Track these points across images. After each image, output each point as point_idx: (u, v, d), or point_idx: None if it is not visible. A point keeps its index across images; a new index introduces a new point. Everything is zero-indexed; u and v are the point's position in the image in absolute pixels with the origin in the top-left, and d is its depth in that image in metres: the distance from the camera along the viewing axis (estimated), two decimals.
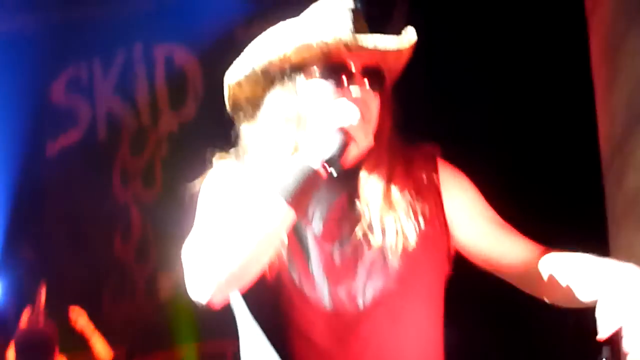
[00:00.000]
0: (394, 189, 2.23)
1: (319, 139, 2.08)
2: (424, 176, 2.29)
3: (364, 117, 2.11)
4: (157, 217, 5.94)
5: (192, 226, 2.18)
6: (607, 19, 4.54)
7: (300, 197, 2.01)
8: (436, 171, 2.31)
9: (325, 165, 2.02)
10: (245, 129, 2.24)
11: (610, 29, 4.53)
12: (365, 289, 2.19)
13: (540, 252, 2.25)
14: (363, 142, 2.12)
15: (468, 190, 2.32)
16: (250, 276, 2.03)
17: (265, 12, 4.96)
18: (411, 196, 2.24)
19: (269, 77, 2.23)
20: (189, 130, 6.06)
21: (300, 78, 2.21)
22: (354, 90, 2.14)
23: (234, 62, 2.21)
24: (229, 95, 2.26)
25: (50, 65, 6.47)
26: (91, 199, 6.29)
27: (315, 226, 2.19)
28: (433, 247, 2.22)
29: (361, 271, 2.18)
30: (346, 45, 2.15)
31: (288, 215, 2.01)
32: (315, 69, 2.19)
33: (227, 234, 2.02)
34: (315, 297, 2.14)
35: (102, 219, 6.32)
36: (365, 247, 2.17)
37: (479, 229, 2.30)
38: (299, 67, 2.20)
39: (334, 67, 2.19)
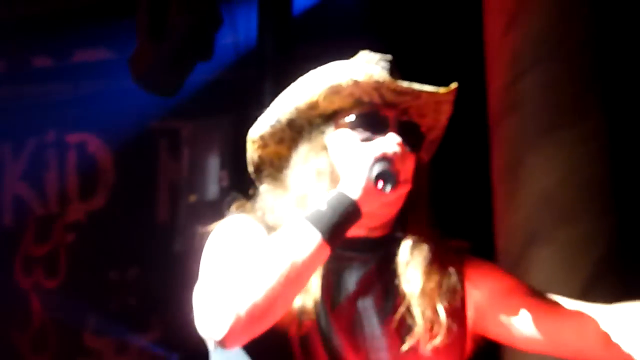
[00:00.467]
0: (433, 273, 2.10)
1: (357, 168, 1.94)
2: (453, 270, 2.13)
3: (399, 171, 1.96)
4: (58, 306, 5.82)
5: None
6: (509, 136, 4.69)
7: (336, 230, 1.87)
8: (464, 266, 2.17)
9: (379, 181, 1.88)
10: (268, 190, 2.08)
11: (511, 146, 4.66)
12: None
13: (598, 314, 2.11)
14: (406, 180, 1.99)
15: (497, 281, 2.19)
16: (274, 314, 1.84)
17: (177, 108, 5.12)
18: (440, 287, 2.10)
19: (295, 129, 2.09)
20: (97, 220, 6.02)
21: (329, 129, 2.07)
22: (389, 141, 1.99)
23: (260, 117, 2.08)
24: (251, 154, 2.11)
25: None
26: None
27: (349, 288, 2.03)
28: (452, 345, 2.09)
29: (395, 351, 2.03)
30: (378, 84, 2.03)
31: (323, 250, 1.86)
32: (346, 120, 2.05)
33: (252, 264, 1.84)
34: None
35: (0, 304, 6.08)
36: (405, 328, 2.03)
37: (517, 317, 2.16)
38: (328, 117, 2.07)
39: (367, 116, 2.06)
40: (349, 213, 1.86)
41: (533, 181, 4.50)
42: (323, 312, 1.97)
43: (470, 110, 4.53)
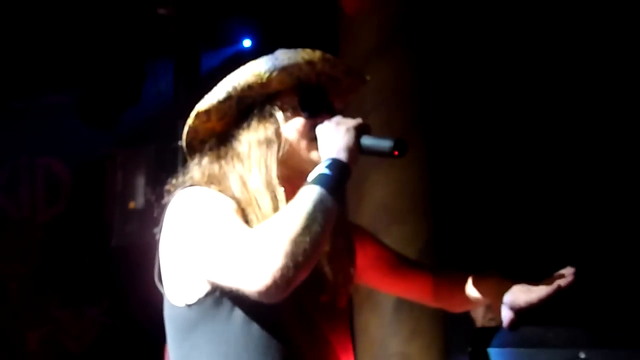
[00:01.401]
0: (339, 236, 1.88)
1: (339, 137, 1.72)
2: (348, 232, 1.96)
3: None
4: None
5: None
6: None
7: (340, 189, 1.68)
8: (351, 230, 2.00)
9: (395, 148, 1.70)
10: (211, 162, 1.82)
11: (359, 165, 4.54)
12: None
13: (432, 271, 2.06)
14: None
15: (372, 242, 2.05)
16: (312, 264, 1.62)
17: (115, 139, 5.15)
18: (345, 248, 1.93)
19: (241, 107, 1.83)
20: (59, 221, 6.06)
21: (276, 106, 1.82)
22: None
23: (209, 94, 1.84)
24: (191, 127, 1.86)
25: None
26: None
27: None
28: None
29: None
30: (329, 61, 1.82)
31: (335, 206, 1.65)
32: (294, 100, 1.82)
33: (287, 222, 1.59)
34: None
35: None
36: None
37: (383, 268, 2.02)
38: (271, 96, 1.83)
39: (320, 97, 1.84)
40: (346, 175, 1.68)
41: (374, 192, 4.61)
42: None
43: None
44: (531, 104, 4.90)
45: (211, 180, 1.78)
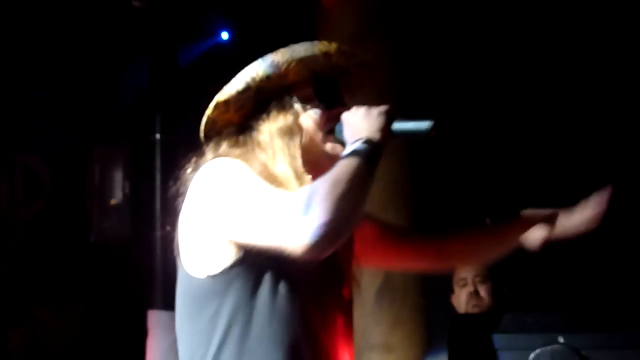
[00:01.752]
0: None
1: (368, 122, 1.74)
2: None
3: None
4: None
5: None
6: None
7: (376, 165, 1.70)
8: None
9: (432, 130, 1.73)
10: (231, 151, 1.81)
11: None
12: None
13: None
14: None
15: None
16: (351, 227, 1.65)
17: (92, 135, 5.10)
18: None
19: (259, 98, 1.84)
20: (39, 218, 5.98)
21: (295, 97, 1.84)
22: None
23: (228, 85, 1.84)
24: (211, 117, 1.87)
25: None
26: None
27: None
28: None
29: None
30: (345, 53, 1.85)
31: (371, 183, 1.68)
32: (309, 92, 1.83)
33: (330, 184, 1.60)
34: None
35: None
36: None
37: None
38: (287, 88, 1.84)
39: (335, 89, 1.86)
40: (379, 154, 1.69)
41: None
42: None
43: None
44: (510, 91, 4.91)
45: (241, 158, 1.77)
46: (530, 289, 4.09)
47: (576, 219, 2.01)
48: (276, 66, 1.80)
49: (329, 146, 1.81)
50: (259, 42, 5.78)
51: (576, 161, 4.71)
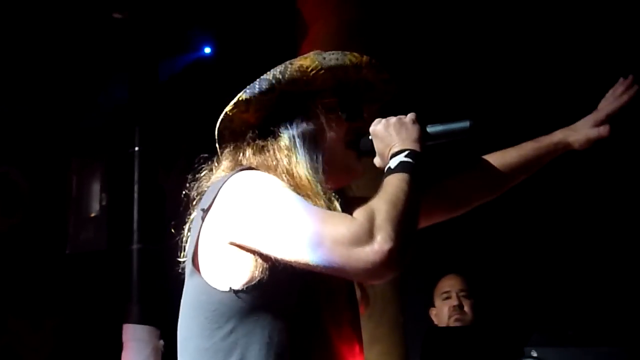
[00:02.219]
0: None
1: (405, 132, 1.74)
2: None
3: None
4: None
5: None
6: None
7: (422, 180, 1.69)
8: None
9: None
10: (254, 155, 1.77)
11: None
12: None
13: None
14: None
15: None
16: (411, 249, 1.59)
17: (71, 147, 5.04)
18: None
19: (281, 101, 1.80)
20: (16, 231, 5.83)
21: (319, 107, 1.80)
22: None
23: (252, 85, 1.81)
24: (229, 112, 1.82)
25: None
26: None
27: None
28: None
29: None
30: (375, 67, 1.84)
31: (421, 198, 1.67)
32: (334, 102, 1.80)
33: (392, 206, 1.57)
34: None
35: None
36: None
37: None
38: (316, 95, 1.81)
39: (354, 101, 1.83)
40: (424, 164, 1.69)
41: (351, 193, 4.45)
42: None
43: None
44: (488, 96, 4.92)
45: (264, 168, 1.72)
46: (505, 304, 4.06)
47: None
48: (304, 72, 1.77)
49: (348, 158, 1.79)
50: (241, 57, 5.81)
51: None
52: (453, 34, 4.95)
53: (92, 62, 4.68)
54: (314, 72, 1.76)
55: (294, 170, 1.72)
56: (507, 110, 4.75)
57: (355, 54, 1.82)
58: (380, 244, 1.50)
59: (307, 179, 1.70)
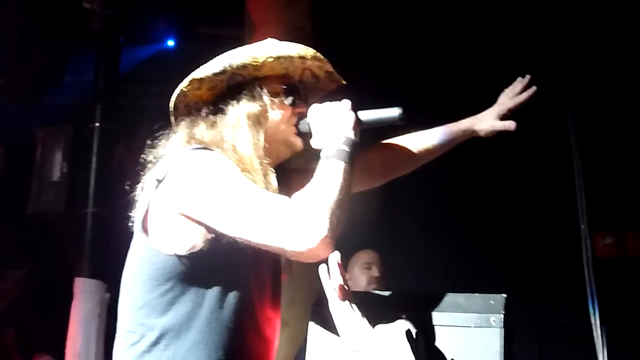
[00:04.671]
0: None
1: (341, 118, 1.78)
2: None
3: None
4: None
5: None
6: None
7: (354, 165, 1.72)
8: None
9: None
10: (204, 129, 1.82)
11: None
12: None
13: None
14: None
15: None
16: (340, 230, 1.62)
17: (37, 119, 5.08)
18: None
19: (231, 83, 1.84)
20: None
21: (265, 90, 1.84)
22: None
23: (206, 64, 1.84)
24: (183, 88, 1.84)
25: None
26: None
27: None
28: None
29: None
30: (319, 60, 1.87)
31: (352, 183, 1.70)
32: (280, 88, 1.85)
33: (322, 190, 1.61)
34: None
35: None
36: None
37: None
38: (263, 80, 1.85)
39: (295, 88, 1.88)
40: (358, 150, 1.74)
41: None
42: None
43: None
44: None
45: (214, 144, 1.78)
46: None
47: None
48: (254, 58, 1.81)
49: (292, 139, 1.85)
50: (200, 52, 5.87)
51: None
52: (397, 35, 4.99)
53: (62, 44, 4.78)
54: (263, 58, 1.81)
55: (237, 146, 1.77)
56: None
57: (303, 46, 1.86)
58: (317, 228, 1.55)
59: (247, 154, 1.75)
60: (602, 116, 4.35)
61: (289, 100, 1.86)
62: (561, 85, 4.02)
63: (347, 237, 1.70)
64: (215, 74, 1.82)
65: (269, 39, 1.90)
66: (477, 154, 4.53)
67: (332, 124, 1.78)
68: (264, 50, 1.83)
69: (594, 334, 3.39)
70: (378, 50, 5.03)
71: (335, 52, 4.84)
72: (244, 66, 1.82)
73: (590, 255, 3.60)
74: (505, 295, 1.69)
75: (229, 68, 1.82)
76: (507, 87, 2.17)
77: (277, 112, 1.85)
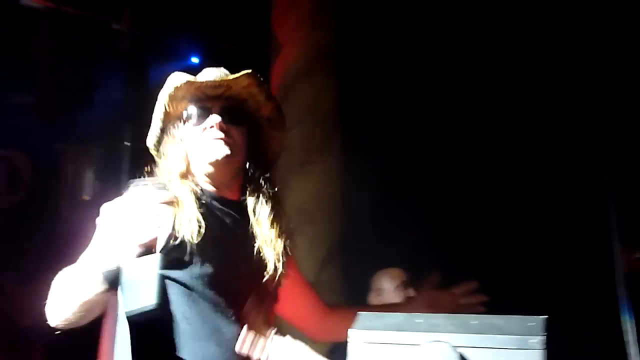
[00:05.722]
0: (278, 230, 2.01)
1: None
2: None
3: (227, 148, 1.94)
4: None
5: None
6: (280, 167, 4.44)
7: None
8: None
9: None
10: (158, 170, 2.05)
11: (282, 173, 4.49)
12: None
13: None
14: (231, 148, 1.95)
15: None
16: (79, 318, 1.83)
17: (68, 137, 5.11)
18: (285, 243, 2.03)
19: (165, 129, 2.05)
20: (19, 208, 5.95)
21: (179, 124, 2.02)
22: (210, 120, 1.96)
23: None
24: (151, 151, 2.10)
25: None
26: None
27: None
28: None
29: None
30: (190, 83, 1.99)
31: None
32: (184, 115, 2.01)
33: (75, 280, 1.80)
34: None
35: None
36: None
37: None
38: (177, 116, 2.03)
39: (195, 109, 1.99)
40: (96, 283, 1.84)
41: (294, 196, 4.61)
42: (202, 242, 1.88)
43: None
44: (435, 119, 4.97)
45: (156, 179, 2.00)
46: None
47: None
48: (164, 106, 2.03)
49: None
50: (224, 67, 5.89)
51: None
52: (416, 57, 4.98)
53: (92, 64, 4.80)
54: (164, 106, 2.04)
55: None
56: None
57: (179, 77, 2.00)
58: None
59: (174, 185, 1.97)
60: (631, 131, 4.29)
61: (195, 121, 2.01)
62: (591, 103, 3.99)
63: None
64: (158, 135, 2.07)
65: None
66: (508, 172, 4.56)
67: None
68: (159, 105, 2.02)
69: (629, 351, 3.32)
70: (403, 66, 5.05)
71: (359, 69, 4.97)
72: (166, 115, 2.04)
73: (623, 270, 3.53)
74: (546, 316, 1.67)
75: (158, 134, 2.06)
76: None
77: (190, 137, 2.03)
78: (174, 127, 2.03)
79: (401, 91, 4.98)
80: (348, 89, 4.84)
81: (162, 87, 2.05)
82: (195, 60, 5.66)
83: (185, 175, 1.97)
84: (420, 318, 1.84)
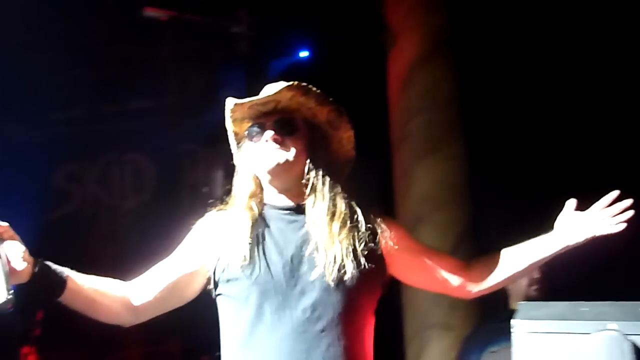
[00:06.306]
0: (336, 226, 2.00)
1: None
2: (364, 222, 2.04)
3: (282, 156, 2.00)
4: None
5: None
6: (404, 155, 4.71)
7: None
8: (380, 222, 2.08)
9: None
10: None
11: (405, 161, 4.71)
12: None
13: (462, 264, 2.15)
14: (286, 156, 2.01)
15: (404, 237, 2.12)
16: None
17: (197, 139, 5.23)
18: (353, 237, 2.00)
19: (239, 149, 2.16)
20: (144, 208, 6.19)
21: (242, 143, 2.13)
22: (265, 135, 2.03)
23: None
24: (235, 156, 2.20)
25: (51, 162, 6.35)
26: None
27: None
28: (365, 280, 1.99)
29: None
30: (239, 105, 2.09)
31: None
32: (247, 133, 2.11)
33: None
34: None
35: None
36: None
37: (414, 263, 2.12)
38: (243, 136, 2.13)
39: (255, 127, 2.08)
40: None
41: (419, 184, 4.62)
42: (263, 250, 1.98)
43: (379, 138, 4.74)
44: (556, 102, 4.89)
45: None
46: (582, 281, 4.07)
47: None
48: (231, 129, 2.14)
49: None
50: (333, 61, 5.90)
51: None
52: (533, 41, 4.91)
53: (215, 66, 4.90)
54: (230, 127, 2.14)
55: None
56: None
57: (231, 101, 2.10)
58: None
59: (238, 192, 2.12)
60: None
61: (254, 138, 2.09)
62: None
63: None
64: (237, 152, 2.18)
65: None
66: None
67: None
68: (229, 126, 2.14)
69: None
70: (519, 50, 4.96)
71: (475, 55, 4.88)
72: (235, 134, 2.16)
73: None
74: None
75: (234, 143, 2.19)
76: None
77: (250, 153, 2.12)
78: (244, 146, 2.13)
79: (521, 74, 4.90)
80: (467, 75, 4.76)
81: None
82: (304, 54, 5.70)
83: (255, 193, 2.07)
84: (585, 306, 1.79)
